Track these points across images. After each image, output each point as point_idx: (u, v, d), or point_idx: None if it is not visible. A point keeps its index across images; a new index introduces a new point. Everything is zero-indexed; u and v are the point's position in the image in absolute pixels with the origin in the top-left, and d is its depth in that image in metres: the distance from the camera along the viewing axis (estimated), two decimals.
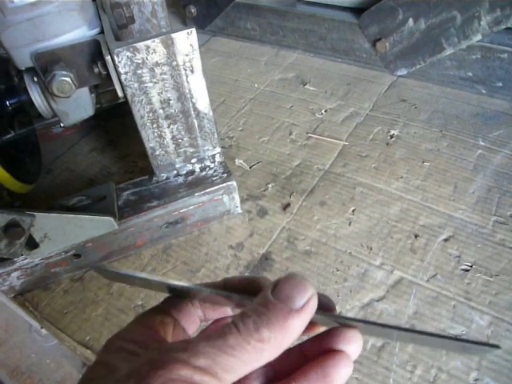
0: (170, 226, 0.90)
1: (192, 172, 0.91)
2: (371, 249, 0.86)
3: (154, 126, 0.81)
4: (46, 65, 0.69)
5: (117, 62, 0.70)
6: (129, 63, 0.71)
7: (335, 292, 0.81)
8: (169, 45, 0.72)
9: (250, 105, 1.23)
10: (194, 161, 0.89)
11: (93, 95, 0.81)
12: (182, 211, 0.88)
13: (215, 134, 0.86)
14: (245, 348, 0.28)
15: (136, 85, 0.74)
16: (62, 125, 0.82)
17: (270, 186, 1.00)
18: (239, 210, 0.95)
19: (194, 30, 0.72)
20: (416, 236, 0.87)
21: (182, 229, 0.92)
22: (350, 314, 0.77)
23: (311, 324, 0.32)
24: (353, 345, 0.32)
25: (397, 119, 1.11)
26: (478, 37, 1.05)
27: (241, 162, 1.06)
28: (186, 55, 0.74)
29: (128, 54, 0.70)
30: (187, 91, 0.78)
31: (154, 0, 0.89)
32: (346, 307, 0.78)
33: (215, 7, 1.44)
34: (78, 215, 0.81)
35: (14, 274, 0.84)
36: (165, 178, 0.90)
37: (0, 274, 0.82)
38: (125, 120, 1.19)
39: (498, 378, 0.68)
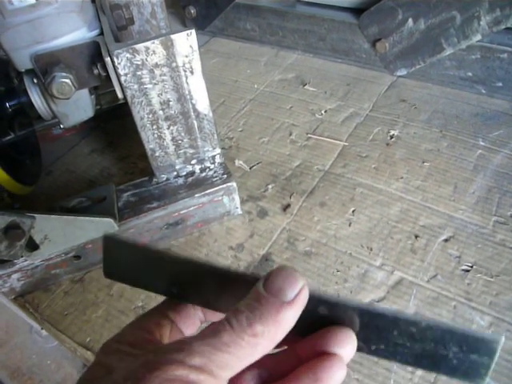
0: (170, 227, 0.89)
1: (192, 173, 0.91)
2: (371, 249, 0.86)
3: (154, 127, 0.81)
4: (46, 66, 0.69)
5: (116, 64, 0.70)
6: (128, 64, 0.71)
7: (335, 293, 0.80)
8: (168, 46, 0.72)
9: (249, 105, 1.23)
10: (193, 162, 0.89)
11: (92, 96, 0.81)
12: (182, 212, 0.88)
13: (215, 135, 0.86)
14: (239, 344, 0.29)
15: (136, 86, 0.74)
16: (61, 126, 0.82)
17: (270, 186, 1.00)
18: (239, 211, 0.95)
19: (193, 31, 0.72)
20: (416, 236, 0.87)
21: (182, 230, 0.91)
22: None
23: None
24: (346, 347, 0.32)
25: (397, 119, 1.11)
26: (478, 37, 1.05)
27: (241, 162, 1.06)
28: (186, 56, 0.74)
29: (127, 55, 0.70)
30: (187, 92, 0.78)
31: (153, 1, 0.90)
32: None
33: (215, 8, 1.44)
34: (78, 217, 0.81)
35: (15, 276, 0.83)
36: (165, 179, 0.90)
37: (0, 276, 0.82)
38: (125, 121, 1.19)
39: (498, 378, 0.68)
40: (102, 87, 0.84)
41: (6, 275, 0.83)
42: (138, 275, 0.39)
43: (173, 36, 0.71)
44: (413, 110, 1.14)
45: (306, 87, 1.26)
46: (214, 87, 1.30)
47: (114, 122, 1.22)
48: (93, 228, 0.81)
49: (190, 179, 0.90)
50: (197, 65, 0.76)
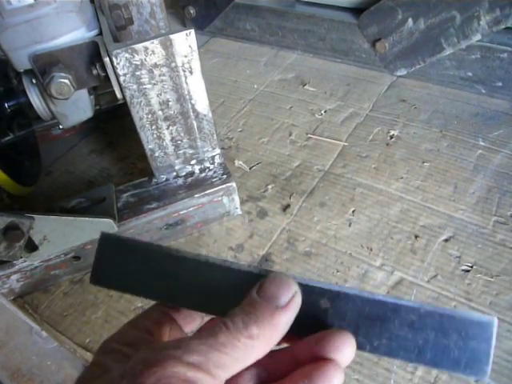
0: (170, 227, 0.89)
1: (191, 173, 0.90)
2: (371, 250, 0.86)
3: (153, 127, 0.81)
4: (45, 67, 0.69)
5: (115, 64, 0.70)
6: (127, 65, 0.71)
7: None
8: (167, 46, 0.71)
9: (249, 106, 1.23)
10: (193, 162, 0.89)
11: (92, 97, 0.81)
12: (181, 213, 0.88)
13: (214, 136, 0.86)
14: (235, 345, 0.29)
15: (135, 86, 0.74)
16: (60, 127, 0.82)
17: (269, 187, 1.00)
18: (239, 212, 0.95)
19: (192, 31, 0.71)
20: (416, 237, 0.86)
21: (181, 230, 0.91)
22: None
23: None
24: (345, 351, 0.31)
25: (396, 119, 1.11)
26: (478, 37, 1.05)
27: (240, 163, 1.06)
28: (185, 56, 0.74)
29: (126, 55, 0.70)
30: (186, 92, 0.78)
31: (152, 1, 0.89)
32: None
33: (214, 8, 1.44)
34: (77, 217, 0.80)
35: (14, 277, 0.83)
36: (164, 179, 0.90)
37: (0, 277, 0.82)
38: (124, 121, 1.18)
39: (498, 378, 0.68)
40: (101, 87, 0.84)
41: (5, 276, 0.82)
42: (133, 277, 0.37)
43: (172, 36, 0.71)
44: (413, 109, 1.13)
45: (305, 87, 1.26)
46: (214, 87, 1.30)
47: (114, 122, 1.22)
48: (92, 229, 0.81)
49: (189, 179, 0.90)
50: (196, 65, 0.76)
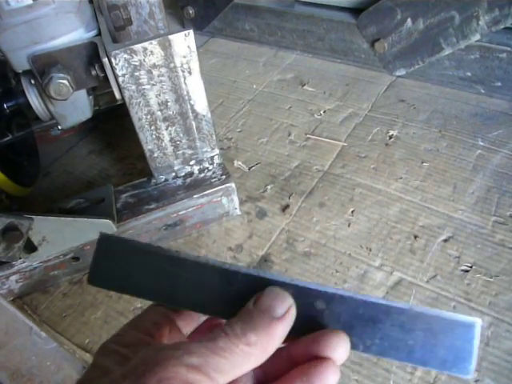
0: (169, 228, 0.89)
1: (191, 174, 0.90)
2: (370, 250, 0.86)
3: (152, 128, 0.81)
4: (43, 67, 0.69)
5: (114, 65, 0.70)
6: (126, 65, 0.71)
7: None
8: (166, 46, 0.71)
9: (248, 106, 1.23)
10: (192, 163, 0.89)
11: (90, 97, 0.81)
12: (180, 213, 0.88)
13: (213, 136, 0.86)
14: (234, 351, 0.30)
15: (134, 87, 0.74)
16: (59, 127, 0.82)
17: (268, 187, 1.00)
18: (238, 212, 0.95)
19: (191, 31, 0.71)
20: (415, 237, 0.86)
21: (180, 231, 0.91)
22: None
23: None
24: (339, 350, 0.32)
25: (396, 120, 1.11)
26: (477, 37, 1.05)
27: (239, 163, 1.06)
28: (184, 57, 0.74)
29: (125, 56, 0.70)
30: (185, 93, 0.78)
31: (151, 1, 0.89)
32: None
33: (213, 8, 1.44)
34: (76, 218, 0.80)
35: (13, 278, 0.83)
36: (163, 180, 0.90)
37: None
38: (123, 122, 1.18)
39: (498, 378, 0.68)
40: (100, 88, 0.84)
41: (4, 277, 0.82)
42: (132, 278, 0.38)
43: (171, 36, 0.71)
44: (412, 110, 1.13)
45: (304, 87, 1.26)
46: (213, 88, 1.30)
47: (113, 122, 1.22)
48: (91, 229, 0.81)
49: (188, 180, 0.90)
50: (195, 65, 0.76)
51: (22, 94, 0.75)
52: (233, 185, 0.89)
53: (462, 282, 0.79)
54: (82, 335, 0.81)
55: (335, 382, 0.32)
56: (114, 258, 0.38)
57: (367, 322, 0.33)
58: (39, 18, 0.69)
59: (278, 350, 0.33)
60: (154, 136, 0.82)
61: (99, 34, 0.74)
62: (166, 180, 0.90)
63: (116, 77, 0.72)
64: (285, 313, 0.32)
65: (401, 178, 0.97)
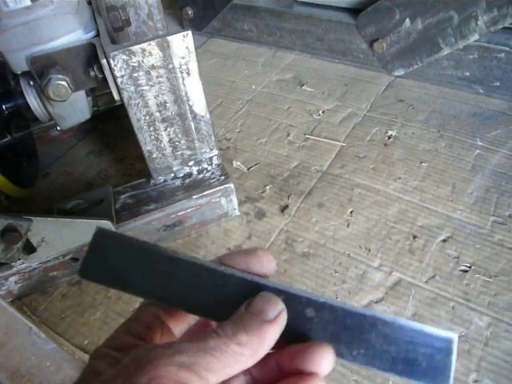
0: (168, 228, 0.89)
1: (189, 175, 0.90)
2: (369, 250, 0.86)
3: (151, 128, 0.81)
4: (42, 68, 0.69)
5: (113, 66, 0.70)
6: (125, 66, 0.71)
7: (334, 294, 0.80)
8: (165, 48, 0.71)
9: (247, 106, 1.23)
10: (191, 163, 0.89)
11: (89, 98, 0.81)
12: (179, 214, 0.88)
13: (212, 137, 0.86)
14: (224, 350, 0.30)
15: (132, 88, 0.74)
16: (58, 128, 0.82)
17: (267, 187, 1.00)
18: (237, 213, 0.95)
19: (189, 32, 0.71)
20: (414, 237, 0.86)
21: (179, 231, 0.91)
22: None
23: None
24: (324, 364, 0.33)
25: (394, 120, 1.11)
26: (475, 36, 1.05)
27: (238, 163, 1.06)
28: (182, 58, 0.74)
29: (124, 57, 0.70)
30: (184, 94, 0.78)
31: (150, 2, 0.89)
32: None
33: (212, 9, 1.44)
34: (75, 219, 0.80)
35: (12, 279, 0.83)
36: (162, 180, 0.90)
37: None
38: (122, 122, 1.18)
39: (497, 379, 0.68)
40: (99, 89, 0.84)
41: (3, 278, 0.82)
42: (126, 274, 0.37)
43: (169, 38, 0.71)
44: (410, 110, 1.13)
45: (303, 88, 1.26)
46: (212, 88, 1.30)
47: (112, 123, 1.22)
48: (90, 230, 0.80)
49: (187, 181, 0.90)
50: (193, 66, 0.76)
51: (20, 95, 0.75)
52: (232, 185, 0.89)
53: (461, 282, 0.79)
54: (81, 336, 0.81)
55: None
56: (108, 252, 0.37)
57: (354, 332, 0.34)
58: (38, 20, 0.69)
59: (267, 359, 0.34)
60: (152, 137, 0.82)
61: (98, 35, 0.74)
62: (164, 181, 0.90)
63: (114, 78, 0.72)
64: (276, 316, 0.33)
65: (400, 178, 0.97)
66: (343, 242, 0.88)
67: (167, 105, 0.79)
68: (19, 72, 0.72)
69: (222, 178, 0.89)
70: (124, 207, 0.87)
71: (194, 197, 0.87)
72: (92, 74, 0.72)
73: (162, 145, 0.84)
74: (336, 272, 0.83)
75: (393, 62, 1.21)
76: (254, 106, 1.23)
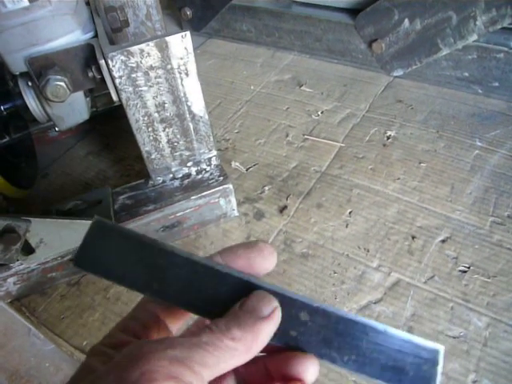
0: (167, 229, 0.89)
1: (188, 175, 0.90)
2: (368, 251, 0.86)
3: (150, 129, 0.81)
4: (40, 69, 0.69)
5: (111, 66, 0.70)
6: (123, 67, 0.71)
7: (333, 294, 0.80)
8: (163, 48, 0.71)
9: (246, 107, 1.23)
10: (189, 164, 0.89)
11: (88, 99, 0.81)
12: (178, 215, 0.88)
13: (211, 137, 0.86)
14: (218, 345, 0.30)
15: (131, 89, 0.74)
16: (57, 129, 0.82)
17: (266, 188, 1.00)
18: (236, 213, 0.95)
19: (188, 33, 0.71)
20: (413, 237, 0.86)
21: (178, 232, 0.91)
22: None
23: None
24: (311, 371, 0.35)
25: (393, 120, 1.11)
26: (474, 37, 1.05)
27: (237, 164, 1.06)
28: (181, 58, 0.74)
29: (122, 57, 0.70)
30: (182, 94, 0.78)
31: (148, 3, 0.89)
32: (344, 310, 0.78)
33: (210, 9, 1.44)
34: (73, 220, 0.80)
35: (11, 280, 0.83)
36: (161, 181, 0.90)
37: None
38: (120, 123, 1.18)
39: (496, 379, 0.68)
40: (97, 89, 0.84)
41: (1, 279, 0.82)
42: (121, 266, 0.37)
43: (167, 38, 0.71)
44: (409, 110, 1.13)
45: (302, 88, 1.26)
46: (210, 89, 1.30)
47: (110, 123, 1.22)
48: None
49: (186, 181, 0.90)
50: (192, 67, 0.76)
51: (19, 95, 0.75)
52: (230, 186, 0.89)
53: (460, 283, 0.79)
54: (80, 337, 0.81)
55: None
56: (105, 243, 0.37)
57: (346, 338, 0.35)
58: (36, 20, 0.69)
59: (257, 362, 0.35)
60: (151, 137, 0.82)
61: (96, 35, 0.74)
62: (163, 181, 0.90)
63: (113, 78, 0.72)
64: (270, 313, 0.33)
65: (398, 179, 0.97)
66: (342, 242, 0.88)
67: (166, 105, 0.79)
68: (17, 73, 0.72)
69: (221, 178, 0.89)
70: (123, 208, 0.87)
71: (192, 197, 0.87)
72: (90, 74, 0.72)
73: (161, 145, 0.84)
74: (335, 272, 0.83)
75: (391, 62, 1.21)
76: (252, 106, 1.23)
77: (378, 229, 0.89)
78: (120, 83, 0.73)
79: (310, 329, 0.35)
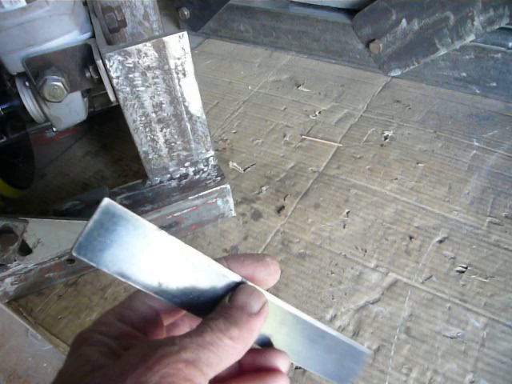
0: (164, 230, 0.89)
1: (185, 175, 0.90)
2: (366, 251, 0.86)
3: (147, 129, 0.81)
4: (38, 69, 0.69)
5: (108, 67, 0.70)
6: (120, 67, 0.71)
7: (330, 295, 0.80)
8: (160, 48, 0.71)
9: (243, 107, 1.23)
10: (187, 164, 0.89)
11: (85, 99, 0.81)
12: (175, 215, 0.88)
13: (208, 137, 0.86)
14: (219, 345, 0.31)
15: (128, 89, 0.74)
16: (54, 129, 0.81)
17: (264, 188, 1.00)
18: (233, 214, 0.95)
19: (185, 33, 0.71)
20: (411, 238, 0.87)
21: (176, 233, 0.91)
22: (345, 317, 0.77)
23: None
24: (284, 361, 0.37)
25: (391, 120, 1.11)
26: (472, 37, 1.05)
27: (235, 164, 1.06)
28: (178, 59, 0.74)
29: (119, 58, 0.70)
30: (179, 95, 0.78)
31: (146, 3, 0.89)
32: (341, 310, 0.78)
33: (208, 9, 1.44)
34: (71, 220, 0.80)
35: (8, 280, 0.83)
36: (158, 181, 0.90)
37: None
38: (118, 123, 1.18)
39: (493, 380, 0.68)
40: (95, 90, 0.84)
41: None
42: (123, 258, 0.33)
43: (165, 38, 0.70)
44: (407, 110, 1.14)
45: (299, 88, 1.26)
46: (208, 89, 1.30)
47: (108, 124, 1.22)
48: None
49: (183, 182, 0.90)
50: (189, 67, 0.76)
51: (16, 96, 0.75)
52: (228, 186, 0.89)
53: (458, 283, 0.79)
54: None
55: None
56: (112, 232, 0.33)
57: (308, 341, 0.39)
58: (33, 21, 0.69)
59: None
60: (148, 138, 0.82)
61: (93, 35, 0.74)
62: (160, 182, 0.90)
63: (110, 79, 0.72)
64: (261, 308, 0.35)
65: (396, 179, 0.97)
66: (339, 242, 0.88)
67: (163, 106, 0.79)
68: (15, 73, 0.72)
69: (218, 178, 0.89)
70: None
71: (190, 198, 0.87)
72: (88, 74, 0.72)
73: (158, 146, 0.84)
74: (332, 273, 0.83)
75: (389, 62, 1.21)
76: (250, 106, 1.23)
77: (376, 229, 0.89)
78: (117, 83, 0.73)
79: (284, 332, 0.39)
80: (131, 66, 0.72)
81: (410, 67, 1.19)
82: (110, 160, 1.13)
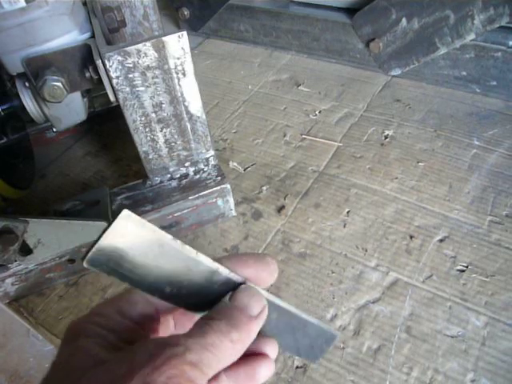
0: (165, 229, 0.89)
1: (186, 175, 0.90)
2: (366, 250, 0.86)
3: (147, 129, 0.81)
4: (37, 70, 0.69)
5: (108, 67, 0.70)
6: (120, 67, 0.71)
7: (331, 294, 0.80)
8: (160, 48, 0.71)
9: (243, 107, 1.23)
10: (187, 164, 0.89)
11: (85, 99, 0.81)
12: (176, 215, 0.88)
13: (208, 137, 0.86)
14: (220, 347, 0.31)
15: (128, 89, 0.74)
16: (54, 130, 0.81)
17: (264, 188, 0.99)
18: (233, 213, 0.94)
19: (185, 33, 0.71)
20: (411, 237, 0.86)
21: (176, 232, 0.91)
22: (346, 317, 0.77)
23: None
24: (272, 346, 0.39)
25: (391, 119, 1.11)
26: (472, 36, 1.05)
27: (235, 164, 1.06)
28: (178, 58, 0.74)
29: (119, 58, 0.70)
30: (179, 95, 0.78)
31: (145, 3, 0.89)
32: (342, 309, 0.78)
33: (208, 9, 1.44)
34: (71, 221, 0.80)
35: (9, 280, 0.83)
36: (159, 181, 0.90)
37: None
38: (118, 123, 1.18)
39: (494, 378, 0.68)
40: (95, 90, 0.84)
41: None
42: (137, 268, 0.33)
43: (164, 38, 0.70)
44: (407, 109, 1.13)
45: (300, 88, 1.26)
46: (208, 89, 1.30)
47: (108, 124, 1.22)
48: (86, 232, 0.81)
49: (183, 181, 0.90)
50: (189, 67, 0.75)
51: (16, 96, 0.75)
52: (228, 186, 0.89)
53: (458, 282, 0.79)
54: None
55: (271, 374, 0.39)
56: (127, 242, 0.32)
57: (290, 328, 0.41)
58: (33, 21, 0.68)
59: None
60: (148, 138, 0.82)
61: (93, 36, 0.74)
62: (161, 182, 0.90)
63: (110, 79, 0.72)
64: (260, 312, 0.35)
65: (396, 178, 0.97)
66: (340, 242, 0.88)
67: (163, 106, 0.79)
68: (15, 73, 0.72)
69: (219, 178, 0.89)
70: (120, 208, 0.87)
71: (190, 198, 0.87)
72: (87, 75, 0.72)
73: (158, 146, 0.84)
74: (333, 272, 0.83)
75: (389, 61, 1.21)
76: (250, 106, 1.23)
77: (376, 228, 0.89)
78: (117, 83, 0.73)
79: (275, 323, 0.40)
80: (131, 65, 0.71)
81: (410, 66, 1.19)
82: (110, 160, 1.13)
